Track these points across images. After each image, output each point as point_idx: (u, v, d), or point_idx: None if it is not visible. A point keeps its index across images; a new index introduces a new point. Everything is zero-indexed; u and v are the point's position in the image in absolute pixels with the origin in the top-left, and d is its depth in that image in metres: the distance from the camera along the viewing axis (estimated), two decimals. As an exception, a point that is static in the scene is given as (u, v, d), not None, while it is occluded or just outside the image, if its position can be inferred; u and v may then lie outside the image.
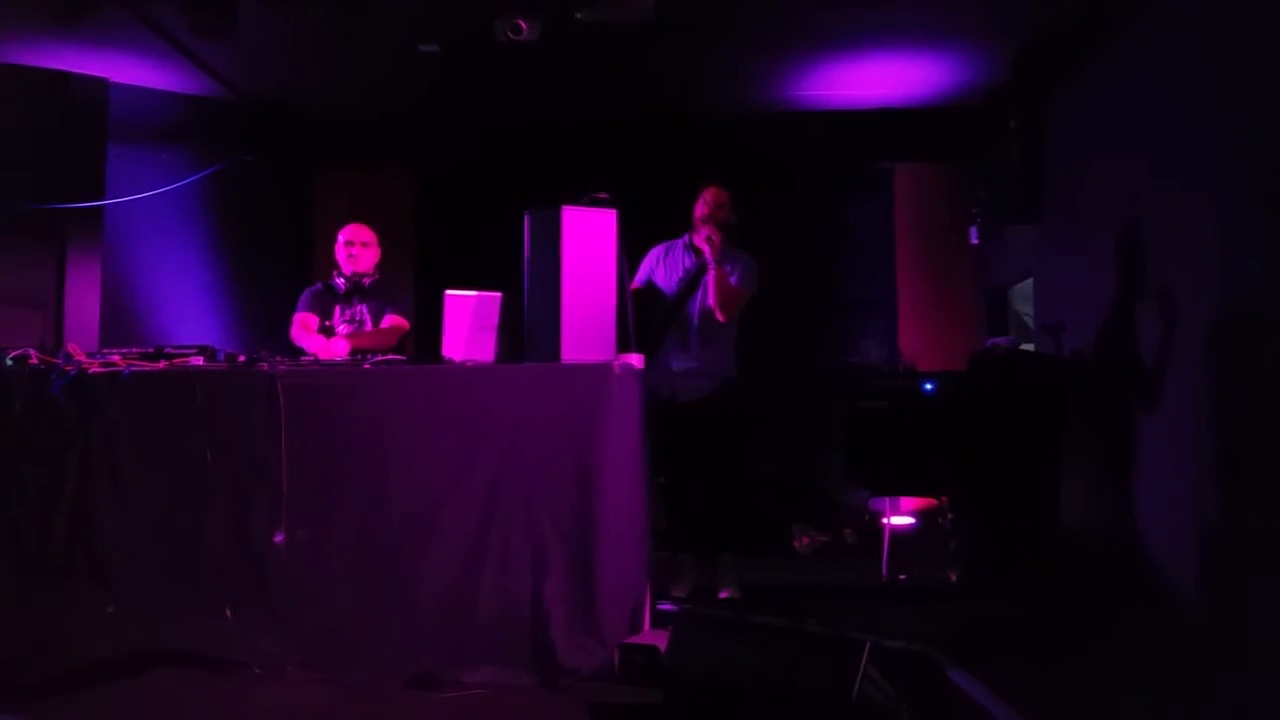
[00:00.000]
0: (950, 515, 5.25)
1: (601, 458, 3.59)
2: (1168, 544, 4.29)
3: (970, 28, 5.30)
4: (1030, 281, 6.44)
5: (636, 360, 3.83)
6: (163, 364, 3.80)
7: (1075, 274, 5.40)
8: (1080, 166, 5.50)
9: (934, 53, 5.70)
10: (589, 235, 3.82)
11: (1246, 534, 3.72)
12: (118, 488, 3.64)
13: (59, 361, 3.74)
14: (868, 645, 2.86)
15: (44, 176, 5.17)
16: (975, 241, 6.59)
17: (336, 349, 4.43)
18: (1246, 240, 3.83)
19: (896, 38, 5.50)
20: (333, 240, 4.91)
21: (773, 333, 6.15)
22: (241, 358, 3.85)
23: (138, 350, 3.89)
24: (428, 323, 4.48)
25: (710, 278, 4.75)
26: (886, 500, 5.50)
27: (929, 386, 5.16)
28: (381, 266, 4.92)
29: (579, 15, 4.88)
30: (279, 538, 3.54)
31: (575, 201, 3.83)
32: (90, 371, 3.70)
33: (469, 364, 3.83)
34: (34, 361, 3.76)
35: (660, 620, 3.68)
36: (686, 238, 4.92)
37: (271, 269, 6.62)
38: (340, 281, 4.82)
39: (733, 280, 4.79)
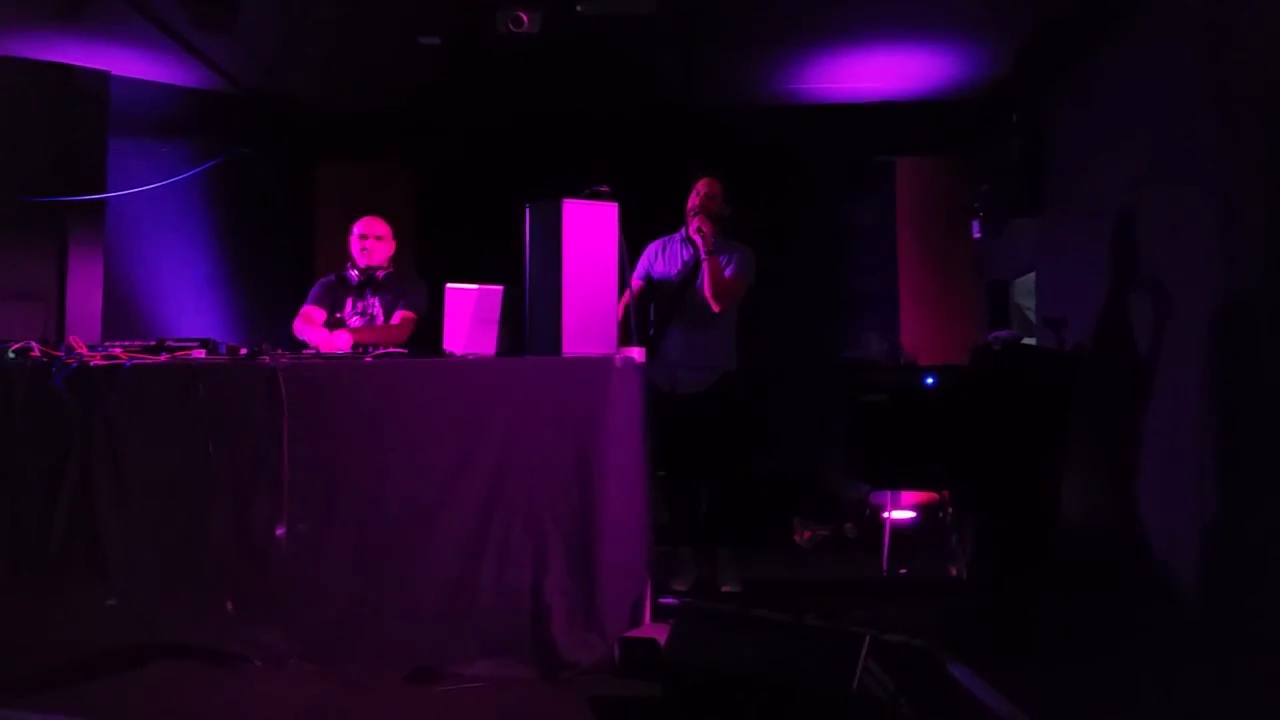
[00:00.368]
0: (951, 509, 5.25)
1: (602, 451, 3.59)
2: (1169, 539, 4.29)
3: (971, 21, 5.29)
4: (1032, 275, 6.43)
5: (637, 354, 3.83)
6: (164, 356, 3.80)
7: (1077, 268, 5.39)
8: (1082, 160, 5.49)
9: (935, 46, 5.69)
10: (590, 229, 3.82)
11: (1249, 529, 3.72)
12: (119, 480, 3.64)
13: (60, 354, 3.74)
14: (867, 639, 2.86)
15: (45, 169, 5.17)
16: (977, 235, 6.59)
17: (338, 342, 4.42)
18: (1248, 234, 3.83)
19: (897, 31, 5.49)
20: (334, 233, 4.93)
21: (774, 326, 6.16)
22: (243, 350, 3.85)
23: (139, 343, 3.89)
24: (429, 316, 4.49)
25: (704, 268, 4.76)
26: (887, 494, 5.50)
27: (930, 380, 5.16)
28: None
29: (580, 8, 4.89)
30: (280, 530, 3.54)
31: (576, 195, 3.83)
32: (92, 364, 3.70)
33: (470, 357, 3.83)
34: (35, 354, 3.76)
35: (661, 614, 3.68)
36: (683, 231, 4.94)
37: (273, 262, 6.63)
38: (354, 274, 4.81)
39: (728, 272, 4.81)
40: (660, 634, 3.33)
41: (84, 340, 3.91)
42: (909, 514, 5.78)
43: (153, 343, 3.90)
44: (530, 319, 3.83)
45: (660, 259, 4.97)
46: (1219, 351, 4.00)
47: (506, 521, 3.56)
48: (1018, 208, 6.10)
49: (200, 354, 3.82)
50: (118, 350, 3.80)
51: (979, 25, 5.34)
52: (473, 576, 3.53)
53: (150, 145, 6.07)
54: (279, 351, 3.91)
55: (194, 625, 3.52)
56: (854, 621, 3.06)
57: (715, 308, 4.77)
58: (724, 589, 4.71)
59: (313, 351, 4.31)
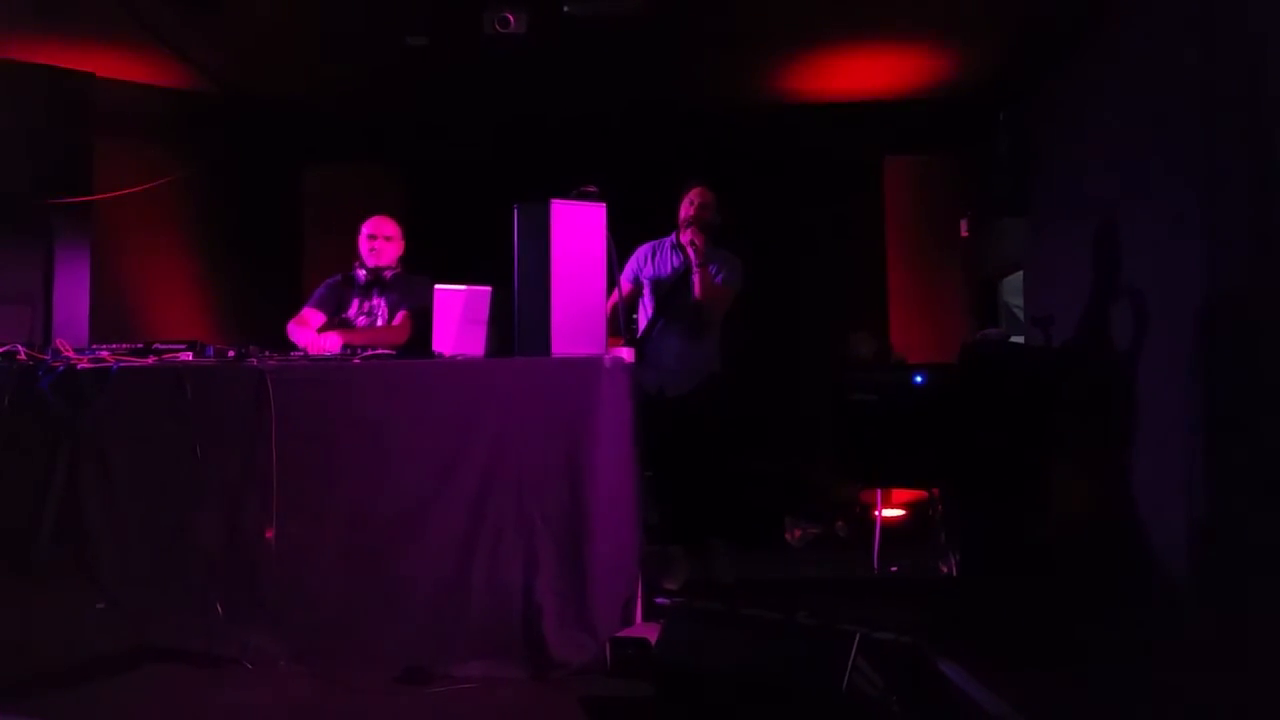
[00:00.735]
0: (940, 507, 5.26)
1: (592, 451, 3.59)
2: (1159, 536, 4.30)
3: (959, 20, 5.29)
4: (1020, 274, 6.45)
5: (626, 354, 3.84)
6: (151, 359, 3.79)
7: (1065, 266, 5.41)
8: (1070, 159, 5.51)
9: (923, 45, 5.70)
10: (578, 229, 3.82)
11: (1240, 526, 3.73)
12: (107, 484, 3.63)
13: (47, 358, 3.73)
14: (857, 637, 2.87)
15: (31, 171, 5.13)
16: (965, 234, 6.61)
17: (327, 344, 4.41)
18: (1234, 232, 3.84)
19: (885, 30, 5.49)
20: (321, 234, 4.90)
21: (763, 326, 6.17)
22: (231, 353, 3.84)
23: (126, 346, 3.87)
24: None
25: (695, 279, 4.81)
26: (878, 492, 5.51)
27: (919, 379, 5.17)
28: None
29: (567, 8, 4.88)
30: (269, 533, 3.53)
31: (564, 195, 3.83)
32: (79, 368, 3.68)
33: (459, 358, 3.83)
34: (22, 358, 3.74)
35: (652, 613, 3.68)
36: (673, 236, 4.99)
37: (260, 263, 6.60)
38: (361, 273, 4.78)
39: (717, 280, 4.86)
40: (651, 633, 3.33)
41: (71, 343, 3.89)
42: (899, 512, 5.79)
43: (140, 346, 3.88)
44: (519, 319, 3.83)
45: (650, 263, 5.02)
46: (1206, 348, 4.02)
47: (497, 522, 3.56)
48: (1006, 206, 6.12)
49: (188, 356, 3.81)
50: (105, 353, 3.79)
51: (966, 24, 5.35)
52: (463, 577, 3.53)
53: (137, 147, 6.05)
54: (267, 354, 3.90)
55: (183, 628, 3.51)
56: (844, 620, 3.06)
57: (704, 318, 4.84)
58: (721, 581, 4.74)
59: (301, 354, 4.30)
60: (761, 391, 6.24)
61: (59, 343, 3.84)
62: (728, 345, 5.10)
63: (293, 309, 4.87)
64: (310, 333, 4.58)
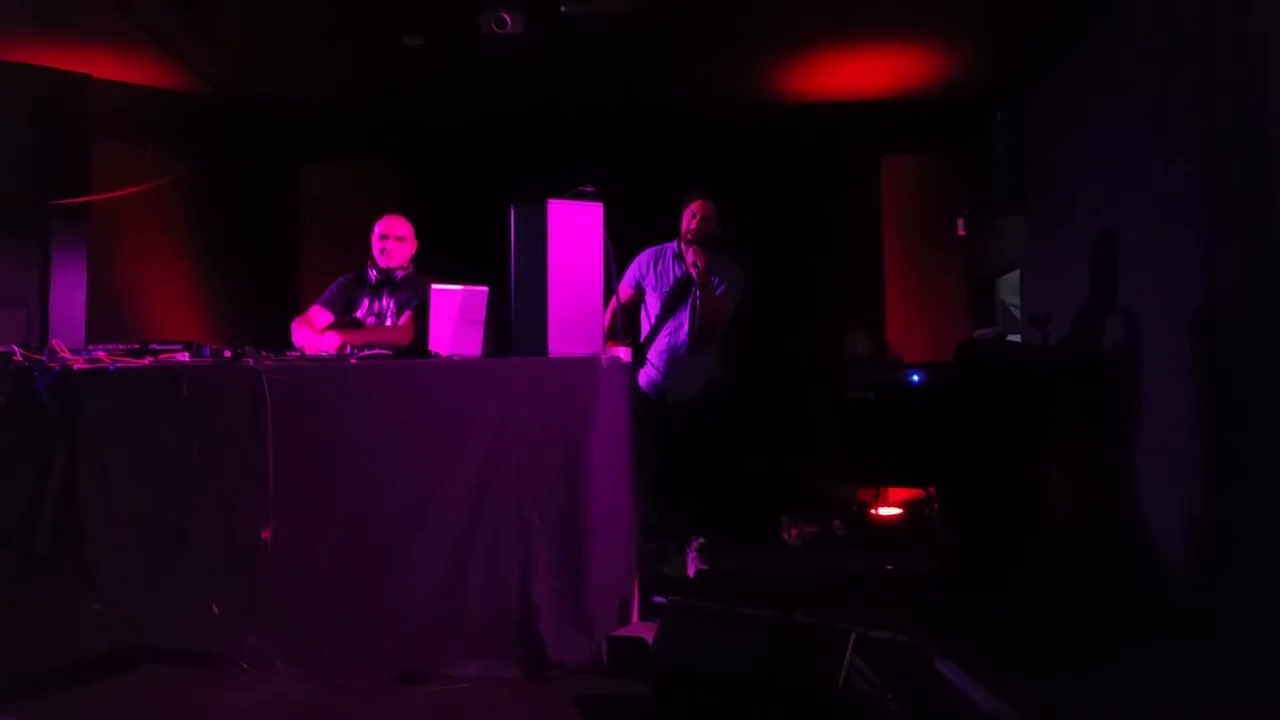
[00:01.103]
0: (937, 506, 5.27)
1: (589, 451, 3.59)
2: (1156, 534, 4.31)
3: (956, 19, 5.30)
4: (1017, 273, 6.46)
5: (624, 353, 3.85)
6: (148, 360, 3.78)
7: (1061, 265, 5.41)
8: (1067, 157, 5.51)
9: (920, 44, 5.70)
10: (575, 229, 3.82)
11: (1237, 524, 3.74)
12: (103, 485, 3.62)
13: (43, 359, 3.72)
14: (853, 636, 2.88)
15: (28, 172, 5.13)
16: (962, 233, 6.61)
17: (324, 343, 4.40)
18: (1231, 231, 3.85)
19: (882, 29, 5.49)
20: (318, 233, 4.89)
21: (760, 325, 6.16)
22: (227, 353, 3.84)
23: (123, 346, 3.86)
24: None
25: (696, 297, 4.89)
26: (874, 491, 5.52)
27: (916, 378, 5.18)
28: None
29: (563, 8, 4.88)
30: (266, 533, 3.53)
31: (561, 195, 3.83)
32: (75, 368, 3.67)
33: (455, 358, 3.83)
34: (18, 359, 3.73)
35: (649, 612, 3.69)
36: (676, 245, 5.03)
37: (257, 263, 6.60)
38: (372, 273, 4.76)
39: (719, 293, 4.93)
40: (648, 633, 3.33)
41: (67, 344, 3.88)
42: (896, 510, 5.79)
43: (136, 346, 3.87)
44: (516, 319, 3.83)
45: (652, 272, 5.06)
46: (1203, 347, 4.02)
47: (493, 522, 3.56)
48: (1003, 205, 6.13)
49: (184, 357, 3.81)
50: (101, 354, 3.78)
51: (964, 23, 5.35)
52: (460, 577, 3.53)
53: (134, 148, 6.04)
54: (263, 354, 3.89)
55: (180, 629, 3.50)
56: (841, 619, 3.07)
57: (705, 331, 4.93)
58: (692, 570, 4.84)
59: (298, 354, 4.29)
60: (758, 390, 6.25)
61: (55, 343, 3.83)
62: (726, 345, 5.12)
63: (290, 309, 4.87)
64: (309, 332, 4.57)
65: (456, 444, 3.59)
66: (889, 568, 5.22)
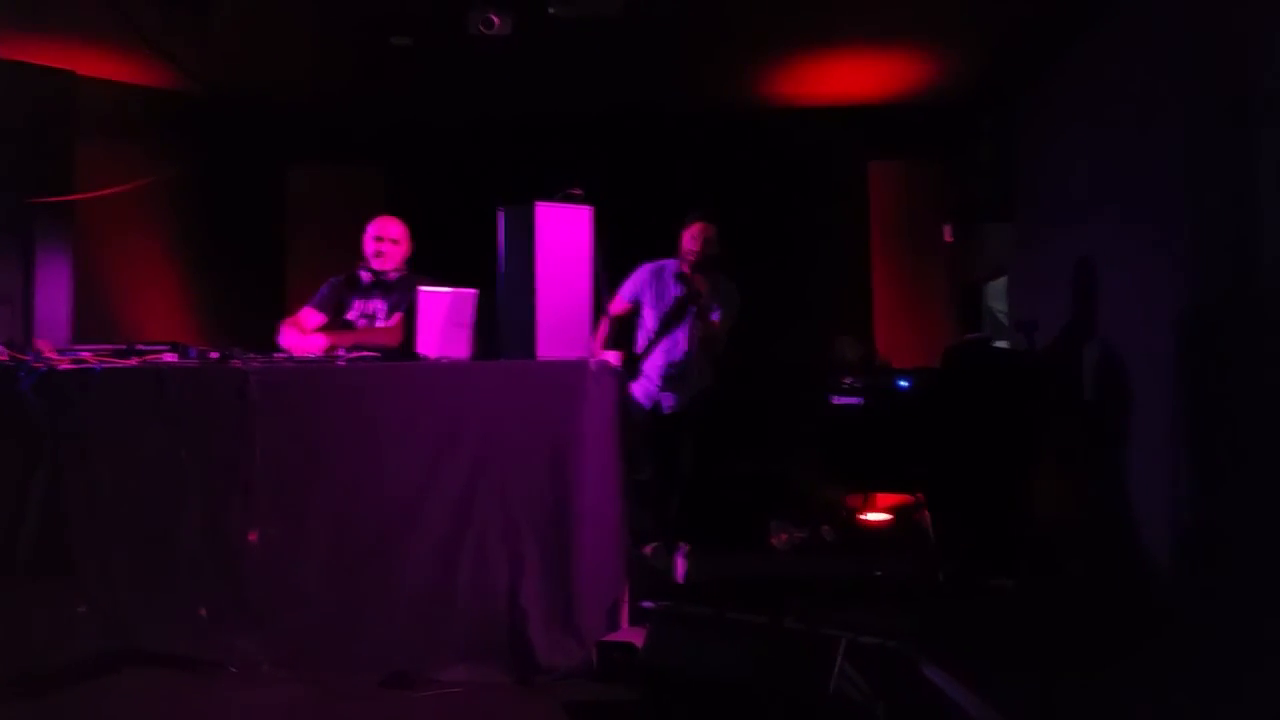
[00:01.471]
0: (926, 511, 5.27)
1: (578, 454, 3.57)
2: (1144, 537, 4.33)
3: (943, 25, 5.31)
4: (1004, 278, 6.48)
5: (613, 357, 3.83)
6: (134, 360, 3.76)
7: (1048, 270, 5.44)
8: (1053, 163, 5.54)
9: (908, 50, 5.72)
10: (563, 231, 3.81)
11: (1224, 526, 3.76)
12: (89, 486, 3.60)
13: (28, 359, 3.69)
14: (843, 642, 2.87)
15: (11, 170, 5.09)
16: (949, 239, 6.63)
17: (311, 345, 4.38)
18: (1216, 236, 3.87)
19: (869, 35, 5.51)
20: (304, 235, 4.85)
21: (748, 330, 6.15)
22: (214, 354, 3.81)
23: (109, 347, 3.84)
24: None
25: (694, 316, 4.94)
26: (863, 496, 5.52)
27: (904, 383, 5.19)
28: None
29: (551, 9, 4.87)
30: (253, 535, 3.51)
31: (549, 198, 3.82)
32: (60, 369, 3.65)
33: (443, 361, 3.81)
34: (3, 359, 3.70)
35: (638, 618, 3.67)
36: (675, 265, 5.04)
37: (243, 264, 6.57)
38: (364, 275, 4.71)
39: (714, 317, 4.97)
40: (637, 638, 3.31)
41: (52, 344, 3.85)
42: (884, 516, 5.80)
43: (122, 346, 3.85)
44: (504, 322, 3.81)
45: (651, 289, 5.10)
46: (1188, 351, 4.05)
47: (482, 526, 3.54)
48: (990, 211, 6.16)
49: (171, 358, 3.79)
50: (87, 354, 3.76)
51: (951, 29, 5.37)
52: (448, 581, 3.51)
53: (119, 146, 6.00)
54: (250, 355, 3.86)
55: (166, 632, 3.48)
56: (831, 625, 3.06)
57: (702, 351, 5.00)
58: (679, 576, 4.85)
59: (285, 355, 4.26)
60: (746, 395, 6.25)
61: (40, 343, 3.80)
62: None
63: (276, 310, 4.84)
64: (296, 334, 4.54)
65: (444, 447, 3.57)
66: (877, 573, 5.22)
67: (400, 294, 4.66)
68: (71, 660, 3.38)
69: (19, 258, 5.07)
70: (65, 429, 3.61)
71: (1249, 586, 3.53)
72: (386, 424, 3.61)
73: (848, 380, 5.53)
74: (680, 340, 5.01)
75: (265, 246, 6.89)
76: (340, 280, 4.76)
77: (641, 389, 5.03)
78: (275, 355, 4.17)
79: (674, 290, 5.04)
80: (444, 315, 3.90)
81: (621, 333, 5.13)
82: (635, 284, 5.11)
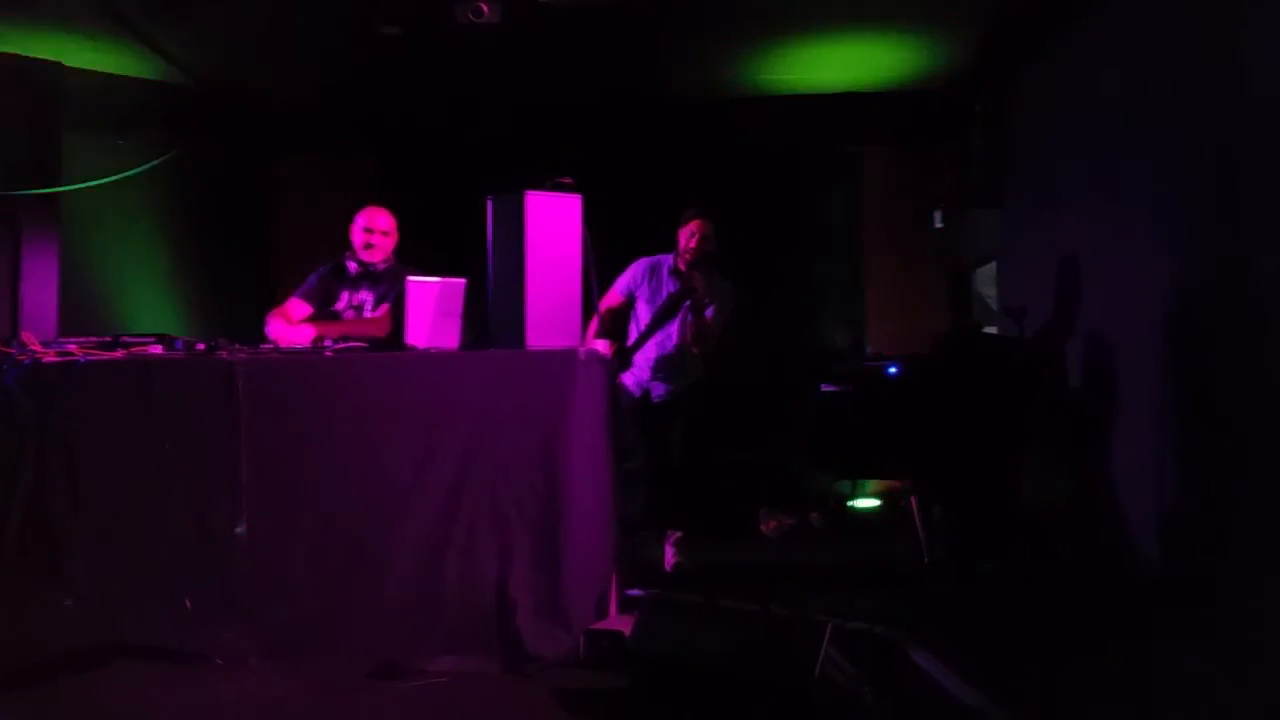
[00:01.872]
0: (915, 497, 5.28)
1: (567, 444, 3.57)
2: (1132, 524, 4.34)
3: (935, 11, 5.30)
4: (994, 265, 6.48)
5: (603, 346, 3.83)
6: (120, 353, 3.75)
7: (1038, 257, 5.44)
8: (1044, 150, 5.53)
9: (899, 36, 5.70)
10: (553, 220, 3.79)
11: (1211, 514, 3.77)
12: (75, 479, 3.59)
13: (13, 352, 3.68)
14: (829, 627, 2.88)
15: (-3, 161, 5.07)
16: (939, 225, 6.63)
17: (298, 336, 4.35)
18: (1206, 223, 3.87)
19: (862, 21, 5.49)
20: (292, 225, 4.83)
21: (739, 317, 6.16)
22: (200, 346, 3.80)
23: (95, 339, 3.83)
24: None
25: (688, 312, 4.93)
26: (852, 483, 5.54)
27: (893, 370, 5.19)
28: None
29: (540, -3, 4.86)
30: (240, 527, 3.50)
31: (539, 186, 3.80)
32: (45, 362, 3.64)
33: (433, 351, 3.80)
34: (-12, 351, 3.69)
35: (626, 606, 3.68)
36: (671, 260, 5.04)
37: (231, 255, 6.55)
38: (352, 265, 4.67)
39: (708, 315, 4.96)
40: (625, 626, 3.33)
41: (38, 337, 3.84)
42: (873, 502, 5.81)
43: (108, 339, 3.83)
44: (493, 312, 3.80)
45: (646, 284, 5.09)
46: (1177, 339, 4.05)
47: (471, 516, 3.55)
48: (980, 197, 6.15)
49: (157, 350, 3.77)
50: (73, 347, 3.75)
51: (942, 15, 5.36)
52: (437, 571, 3.52)
53: (106, 138, 5.98)
54: (236, 346, 3.85)
55: (153, 624, 3.47)
56: (818, 611, 3.07)
57: (697, 350, 5.00)
58: (670, 564, 4.90)
59: (272, 346, 4.24)
60: (736, 383, 6.25)
61: (25, 336, 3.79)
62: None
63: (264, 301, 4.81)
64: (283, 324, 4.51)
65: (433, 437, 3.57)
66: (866, 559, 5.24)
67: (388, 284, 4.62)
68: (58, 653, 3.38)
69: (4, 250, 5.04)
70: (51, 422, 3.59)
71: (1236, 571, 3.54)
72: (375, 415, 3.60)
73: (837, 366, 5.53)
74: (673, 335, 5.02)
75: (253, 237, 6.88)
76: (327, 270, 4.72)
77: (632, 378, 5.04)
78: (262, 346, 4.15)
79: (669, 286, 5.04)
80: (433, 305, 3.89)
81: (614, 324, 5.12)
82: (630, 278, 5.11)
